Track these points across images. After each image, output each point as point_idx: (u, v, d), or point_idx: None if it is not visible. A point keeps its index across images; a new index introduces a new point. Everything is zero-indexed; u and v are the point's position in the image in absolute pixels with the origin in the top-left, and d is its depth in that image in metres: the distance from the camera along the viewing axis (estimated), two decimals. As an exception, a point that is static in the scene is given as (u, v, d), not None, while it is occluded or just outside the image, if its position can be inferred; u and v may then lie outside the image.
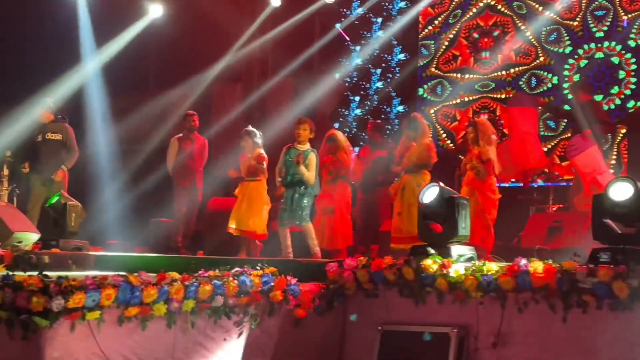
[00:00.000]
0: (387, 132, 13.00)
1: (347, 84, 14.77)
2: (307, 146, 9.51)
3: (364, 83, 14.67)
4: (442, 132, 14.07)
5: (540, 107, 12.43)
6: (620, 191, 6.22)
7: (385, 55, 14.58)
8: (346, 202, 10.25)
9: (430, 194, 7.01)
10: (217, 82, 15.33)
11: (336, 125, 14.04)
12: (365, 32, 14.77)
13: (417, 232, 7.33)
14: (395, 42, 14.53)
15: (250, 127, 10.27)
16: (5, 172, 11.49)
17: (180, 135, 11.70)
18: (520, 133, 11.34)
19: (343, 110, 14.72)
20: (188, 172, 11.45)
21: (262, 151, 10.07)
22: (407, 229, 8.98)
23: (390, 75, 14.48)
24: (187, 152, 11.48)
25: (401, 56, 14.52)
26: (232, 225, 9.91)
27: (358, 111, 14.57)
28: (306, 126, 9.56)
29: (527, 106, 11.70)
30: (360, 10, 14.73)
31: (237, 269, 6.24)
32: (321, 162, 9.92)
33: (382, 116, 14.08)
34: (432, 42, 14.37)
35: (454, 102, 14.08)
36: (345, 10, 14.82)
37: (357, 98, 14.66)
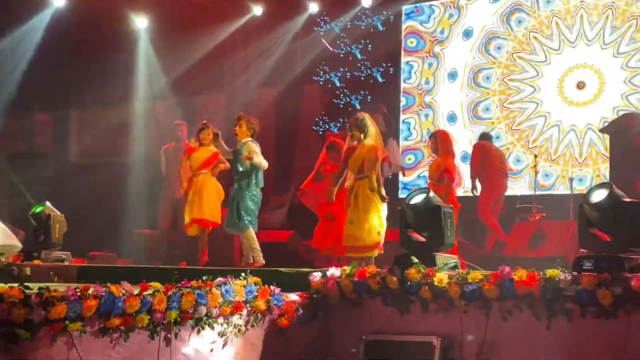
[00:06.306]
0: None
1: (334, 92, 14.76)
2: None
3: (348, 92, 14.67)
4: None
5: None
6: (597, 195, 6.26)
7: (369, 64, 14.59)
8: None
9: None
10: (200, 92, 15.28)
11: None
12: (348, 42, 14.77)
13: (375, 242, 8.10)
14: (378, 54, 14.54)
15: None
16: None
17: (169, 145, 11.65)
18: None
19: (326, 118, 14.69)
20: (176, 182, 11.31)
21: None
22: (362, 237, 8.37)
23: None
24: (176, 162, 11.37)
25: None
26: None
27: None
28: (242, 123, 9.24)
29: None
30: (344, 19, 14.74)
31: (220, 279, 6.22)
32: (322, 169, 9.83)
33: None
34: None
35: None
36: (327, 18, 14.81)
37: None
